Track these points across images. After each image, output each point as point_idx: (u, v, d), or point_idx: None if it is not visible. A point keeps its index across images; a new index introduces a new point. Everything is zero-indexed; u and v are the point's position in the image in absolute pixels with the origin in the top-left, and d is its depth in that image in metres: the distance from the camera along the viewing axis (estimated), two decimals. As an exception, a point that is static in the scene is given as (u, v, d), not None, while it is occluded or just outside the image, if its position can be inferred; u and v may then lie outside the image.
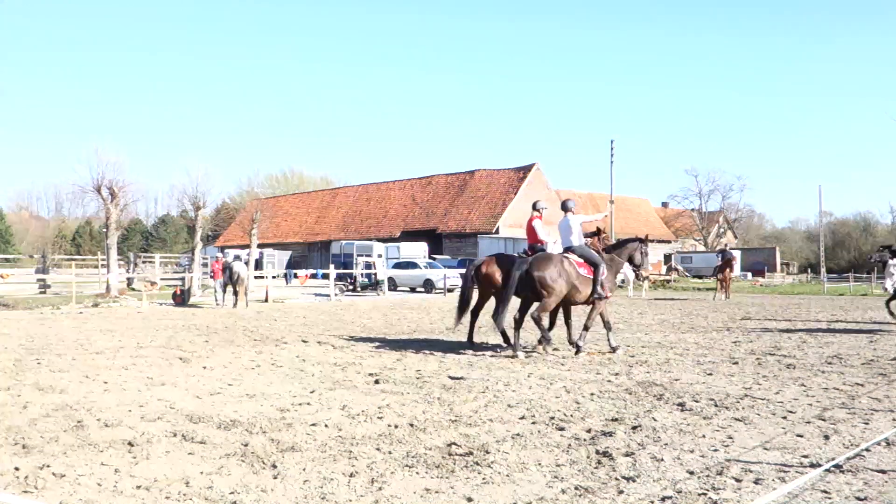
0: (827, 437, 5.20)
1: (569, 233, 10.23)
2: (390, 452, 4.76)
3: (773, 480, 4.17)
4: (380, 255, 35.88)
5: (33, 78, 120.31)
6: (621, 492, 3.98)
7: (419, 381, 7.60)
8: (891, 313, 14.63)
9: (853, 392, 7.06)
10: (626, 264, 10.86)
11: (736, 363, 9.10)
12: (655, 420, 5.76)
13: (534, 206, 10.63)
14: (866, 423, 5.65)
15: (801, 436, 5.25)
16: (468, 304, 10.67)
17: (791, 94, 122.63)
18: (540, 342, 10.23)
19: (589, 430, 5.41)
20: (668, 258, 56.66)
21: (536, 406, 6.32)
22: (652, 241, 11.33)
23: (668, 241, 65.67)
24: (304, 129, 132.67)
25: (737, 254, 43.42)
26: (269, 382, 7.57)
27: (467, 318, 10.81)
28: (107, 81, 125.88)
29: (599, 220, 11.25)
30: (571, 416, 5.93)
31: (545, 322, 9.97)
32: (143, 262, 46.68)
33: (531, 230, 10.49)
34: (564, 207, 10.41)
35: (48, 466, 4.39)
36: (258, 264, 33.49)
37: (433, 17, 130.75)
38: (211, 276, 22.83)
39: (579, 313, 11.69)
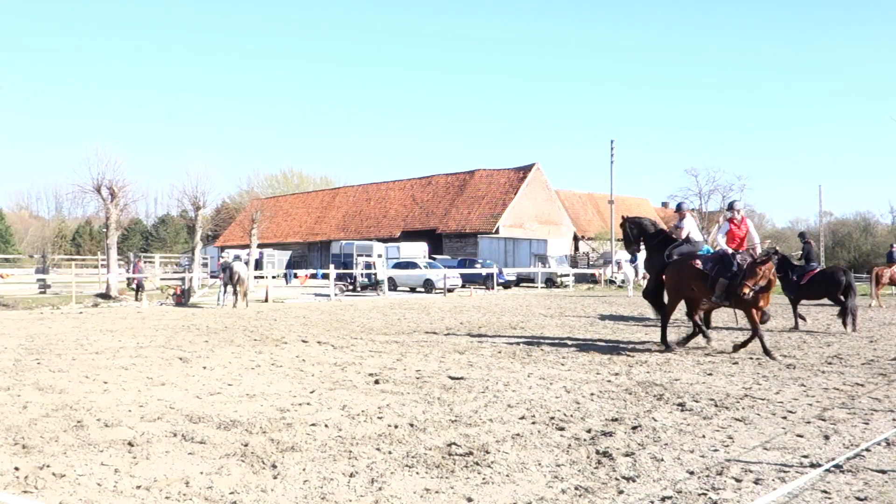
0: (827, 437, 5.20)
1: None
2: (390, 452, 4.76)
3: (773, 480, 4.17)
4: (380, 255, 35.84)
5: (33, 78, 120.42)
6: (621, 492, 3.98)
7: (419, 381, 7.59)
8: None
9: (853, 392, 7.06)
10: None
11: (736, 363, 9.10)
12: (655, 420, 5.76)
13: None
14: (866, 423, 5.65)
15: (801, 436, 5.25)
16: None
17: (791, 94, 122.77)
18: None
19: (589, 430, 5.41)
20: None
21: (536, 406, 6.32)
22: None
23: (668, 241, 65.52)
24: (304, 129, 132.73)
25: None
26: (269, 382, 7.57)
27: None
28: (107, 81, 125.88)
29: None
30: (571, 416, 5.93)
31: None
32: (143, 262, 46.61)
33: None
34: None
35: (48, 466, 4.40)
36: (258, 264, 33.48)
37: (433, 16, 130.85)
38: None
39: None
